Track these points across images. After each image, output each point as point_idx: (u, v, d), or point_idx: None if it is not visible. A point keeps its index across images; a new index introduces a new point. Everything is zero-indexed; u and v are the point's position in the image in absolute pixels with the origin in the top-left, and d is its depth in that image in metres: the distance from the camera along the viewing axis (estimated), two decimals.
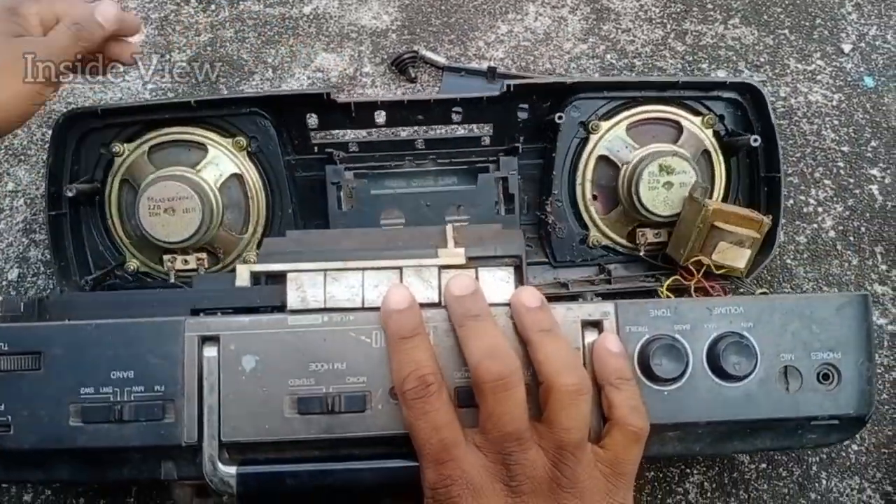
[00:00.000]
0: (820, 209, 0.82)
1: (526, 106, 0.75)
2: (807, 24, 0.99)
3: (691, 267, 0.67)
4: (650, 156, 0.71)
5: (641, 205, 0.70)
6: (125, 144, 0.73)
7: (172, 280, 0.72)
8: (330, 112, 0.74)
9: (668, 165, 0.70)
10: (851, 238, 0.80)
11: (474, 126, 0.80)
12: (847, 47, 0.97)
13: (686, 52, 0.96)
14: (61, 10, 0.57)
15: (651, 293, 0.71)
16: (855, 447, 0.67)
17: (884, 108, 0.90)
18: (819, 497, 0.70)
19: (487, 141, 0.77)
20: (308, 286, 0.52)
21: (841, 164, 0.85)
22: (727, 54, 0.96)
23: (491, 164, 0.74)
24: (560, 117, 0.73)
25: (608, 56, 0.95)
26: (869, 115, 0.90)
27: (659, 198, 0.70)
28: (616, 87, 0.75)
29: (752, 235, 0.67)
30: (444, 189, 0.75)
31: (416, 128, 0.80)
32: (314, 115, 0.75)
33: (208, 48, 0.94)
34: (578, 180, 0.74)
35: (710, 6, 1.00)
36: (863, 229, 0.80)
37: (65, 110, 0.72)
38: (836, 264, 0.78)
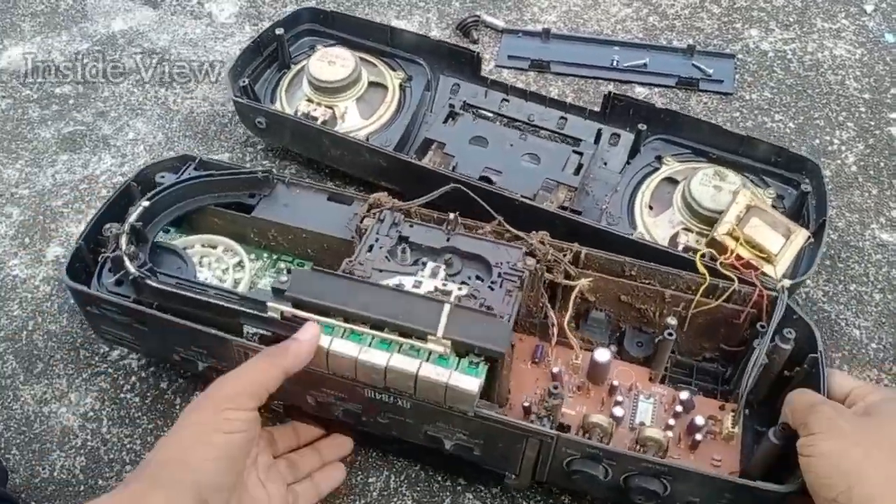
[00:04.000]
0: (843, 147, 0.91)
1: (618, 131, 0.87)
2: None
3: (726, 244, 0.68)
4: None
5: (690, 194, 0.75)
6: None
7: (298, 116, 0.85)
8: (469, 79, 0.91)
9: (723, 173, 0.76)
10: (871, 172, 0.89)
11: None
12: (869, 7, 1.06)
13: (722, 13, 1.06)
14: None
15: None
16: (874, 345, 0.76)
17: None
18: None
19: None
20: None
21: (863, 110, 0.95)
22: (759, 15, 1.05)
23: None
24: (643, 125, 0.82)
25: (650, 19, 1.06)
26: (889, 67, 0.99)
27: (707, 194, 0.74)
28: (693, 135, 0.83)
29: (786, 223, 0.70)
30: (528, 141, 0.85)
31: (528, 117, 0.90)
32: (459, 83, 0.91)
33: None
34: (641, 190, 0.81)
35: None
36: (882, 164, 0.90)
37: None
38: (858, 194, 0.87)
